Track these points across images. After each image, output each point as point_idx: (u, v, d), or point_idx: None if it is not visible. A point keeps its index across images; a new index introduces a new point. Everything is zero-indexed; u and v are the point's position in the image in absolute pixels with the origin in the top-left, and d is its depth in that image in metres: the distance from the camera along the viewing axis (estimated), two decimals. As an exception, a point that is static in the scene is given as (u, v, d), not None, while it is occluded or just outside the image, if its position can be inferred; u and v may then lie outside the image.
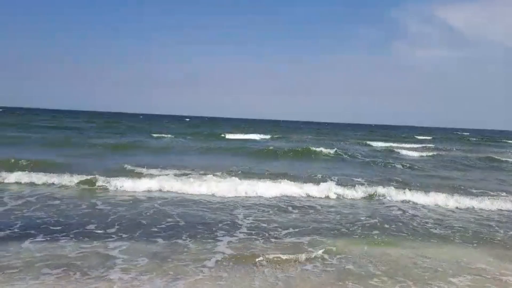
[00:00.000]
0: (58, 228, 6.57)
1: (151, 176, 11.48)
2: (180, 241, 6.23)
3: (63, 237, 6.11)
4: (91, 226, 6.79)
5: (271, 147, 22.85)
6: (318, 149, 21.99)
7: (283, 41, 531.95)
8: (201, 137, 32.04)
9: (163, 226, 7.06)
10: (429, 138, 53.99)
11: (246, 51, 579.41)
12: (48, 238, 6.03)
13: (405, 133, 70.64)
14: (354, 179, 13.53)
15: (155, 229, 6.83)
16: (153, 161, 15.50)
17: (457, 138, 57.48)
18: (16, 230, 6.39)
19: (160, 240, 6.24)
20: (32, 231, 6.30)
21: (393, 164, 18.75)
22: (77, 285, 4.52)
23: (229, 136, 35.06)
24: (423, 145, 36.41)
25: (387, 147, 30.99)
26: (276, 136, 38.64)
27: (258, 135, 37.95)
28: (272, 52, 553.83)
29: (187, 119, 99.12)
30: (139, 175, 11.63)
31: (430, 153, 26.64)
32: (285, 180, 11.45)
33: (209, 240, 6.34)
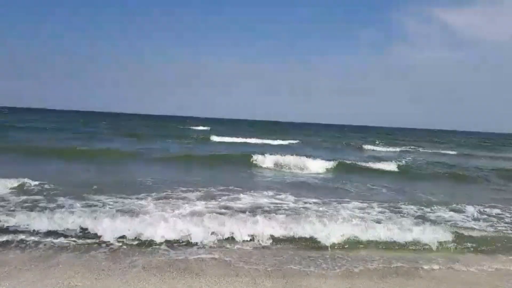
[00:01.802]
0: None
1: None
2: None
3: None
4: None
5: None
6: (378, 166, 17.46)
7: (282, 41, 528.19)
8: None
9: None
10: (452, 141, 50.05)
11: (244, 52, 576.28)
12: None
13: (412, 136, 66.52)
14: None
15: None
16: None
17: (477, 143, 53.05)
18: None
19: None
20: None
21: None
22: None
23: (252, 140, 29.87)
24: (454, 151, 32.17)
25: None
26: (297, 140, 33.62)
27: (291, 140, 32.59)
28: (271, 53, 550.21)
29: (187, 121, 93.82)
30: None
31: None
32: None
33: None
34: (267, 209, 7.90)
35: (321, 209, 8.16)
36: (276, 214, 7.27)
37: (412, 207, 8.98)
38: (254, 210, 7.60)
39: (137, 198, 8.11)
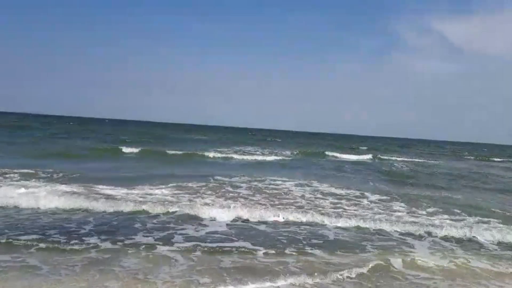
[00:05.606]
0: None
1: None
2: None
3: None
4: None
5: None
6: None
7: (280, 49, 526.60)
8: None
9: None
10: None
11: (241, 58, 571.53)
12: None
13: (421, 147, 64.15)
14: None
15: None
16: None
17: None
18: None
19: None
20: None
21: None
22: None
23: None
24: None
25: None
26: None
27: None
28: (269, 60, 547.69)
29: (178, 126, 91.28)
30: None
31: None
32: None
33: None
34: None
35: None
36: None
37: None
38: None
39: None
